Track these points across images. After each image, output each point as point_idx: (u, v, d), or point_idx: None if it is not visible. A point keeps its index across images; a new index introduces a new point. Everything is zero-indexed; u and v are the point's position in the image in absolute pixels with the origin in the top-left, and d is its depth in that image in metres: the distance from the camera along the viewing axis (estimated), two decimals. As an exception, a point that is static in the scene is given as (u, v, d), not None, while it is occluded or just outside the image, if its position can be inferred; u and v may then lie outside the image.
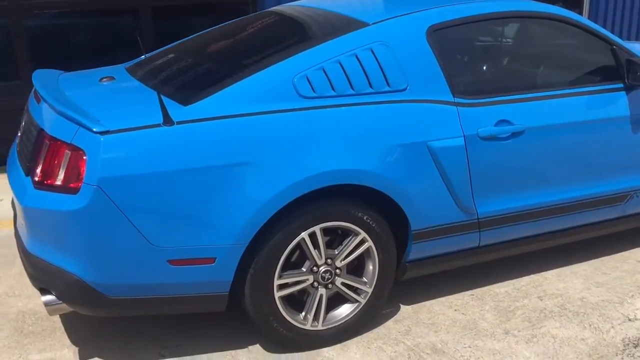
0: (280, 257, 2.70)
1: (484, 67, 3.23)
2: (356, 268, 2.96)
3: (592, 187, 3.32)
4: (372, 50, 2.86)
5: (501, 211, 3.13)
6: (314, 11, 3.35)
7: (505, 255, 3.37)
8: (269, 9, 3.73)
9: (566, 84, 3.27)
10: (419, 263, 3.08)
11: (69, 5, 5.68)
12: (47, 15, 5.72)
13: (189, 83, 2.92)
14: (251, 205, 2.56)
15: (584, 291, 3.33)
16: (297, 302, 2.88)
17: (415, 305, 3.25)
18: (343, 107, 2.76)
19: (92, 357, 2.85)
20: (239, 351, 2.89)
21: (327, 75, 2.78)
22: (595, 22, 7.99)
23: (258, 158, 2.58)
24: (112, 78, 3.14)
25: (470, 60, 3.19)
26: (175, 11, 6.10)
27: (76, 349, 2.90)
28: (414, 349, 2.88)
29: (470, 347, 2.89)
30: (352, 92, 2.81)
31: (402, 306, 3.24)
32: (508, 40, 3.35)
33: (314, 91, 2.75)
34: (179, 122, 2.53)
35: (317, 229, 2.74)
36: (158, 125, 2.50)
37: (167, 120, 2.51)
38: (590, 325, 3.03)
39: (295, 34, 3.18)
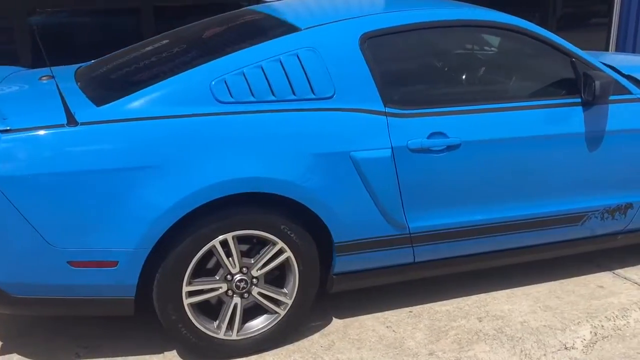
0: (189, 264, 2.65)
1: (421, 77, 3.09)
2: (277, 278, 2.89)
3: (540, 206, 3.15)
4: (297, 56, 2.78)
5: (436, 227, 3.00)
6: (265, 15, 3.28)
7: (447, 272, 3.25)
8: (236, 10, 3.68)
9: (512, 96, 3.12)
10: (348, 276, 2.99)
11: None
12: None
13: (114, 84, 2.90)
14: (153, 210, 2.53)
15: (528, 314, 3.17)
16: (214, 310, 2.83)
17: (348, 320, 3.15)
18: (259, 114, 2.69)
19: (12, 354, 2.87)
20: (154, 356, 2.86)
21: (246, 80, 2.71)
22: (625, 32, 7.66)
23: (163, 162, 2.54)
24: (51, 77, 3.15)
25: (407, 69, 3.06)
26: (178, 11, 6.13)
27: (-3, 344, 2.92)
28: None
29: (388, 366, 2.79)
30: (272, 98, 2.74)
31: (334, 319, 3.15)
32: (450, 49, 3.20)
33: (231, 96, 2.69)
34: (84, 123, 2.51)
35: (229, 236, 2.68)
36: (61, 126, 2.49)
37: (71, 121, 2.49)
38: (521, 352, 2.88)
39: (232, 38, 3.12)
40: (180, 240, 2.62)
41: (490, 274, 3.49)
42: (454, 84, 3.13)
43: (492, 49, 3.22)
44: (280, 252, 2.79)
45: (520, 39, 3.11)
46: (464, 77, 3.15)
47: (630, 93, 3.27)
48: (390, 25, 2.95)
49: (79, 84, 2.99)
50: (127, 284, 2.61)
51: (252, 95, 2.71)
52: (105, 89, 2.82)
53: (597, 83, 2.98)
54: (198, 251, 2.65)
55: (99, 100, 2.67)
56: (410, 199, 2.91)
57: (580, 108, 3.15)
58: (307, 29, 2.90)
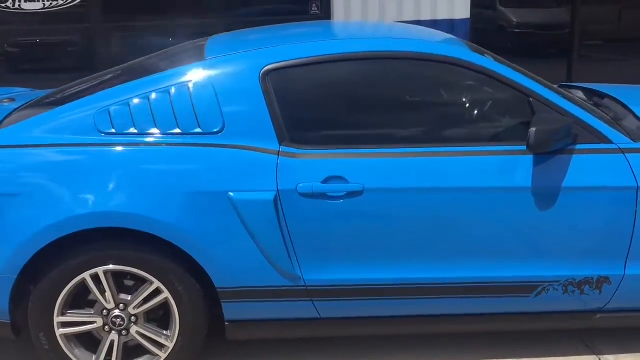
0: (60, 294, 2.61)
1: (327, 115, 2.75)
2: (163, 319, 2.75)
3: (473, 269, 2.67)
4: (188, 88, 2.64)
5: (338, 282, 2.67)
6: (199, 44, 3.16)
7: (366, 334, 2.88)
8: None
9: (436, 140, 2.68)
10: (244, 325, 2.77)
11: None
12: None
13: (26, 110, 2.95)
14: (15, 237, 2.53)
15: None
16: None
17: None
18: (135, 146, 2.59)
19: None
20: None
21: (130, 112, 2.63)
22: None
23: (31, 190, 2.54)
24: (13, 100, 3.31)
25: (312, 105, 2.74)
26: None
27: None
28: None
29: None
30: (155, 131, 2.62)
31: (240, 369, 2.93)
32: (364, 84, 2.81)
33: (113, 127, 2.62)
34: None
35: (100, 271, 2.60)
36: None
37: None
38: None
39: (146, 68, 3.02)
40: (50, 270, 2.59)
41: (461, 341, 3.02)
42: (363, 123, 2.75)
43: (417, 83, 2.79)
44: (157, 292, 2.65)
45: (456, 71, 2.68)
46: (375, 115, 2.76)
47: (608, 142, 2.67)
48: (297, 57, 2.69)
49: (19, 108, 3.09)
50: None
51: (134, 127, 2.62)
52: (13, 115, 2.89)
53: (532, 131, 2.47)
54: (68, 283, 2.60)
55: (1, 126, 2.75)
56: (304, 249, 2.62)
57: (530, 157, 2.63)
58: (210, 59, 2.75)
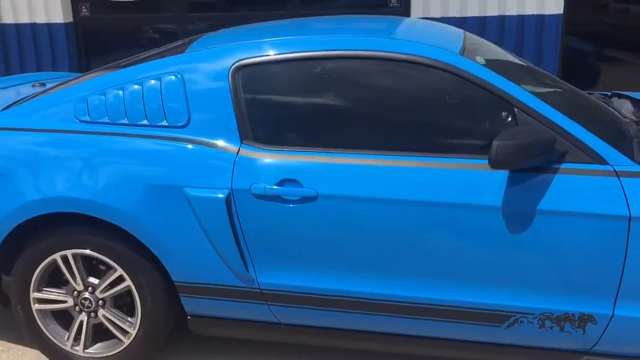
0: (34, 272, 2.75)
1: (291, 115, 2.60)
2: (130, 306, 2.81)
3: (437, 290, 2.46)
4: (160, 80, 2.66)
5: (292, 288, 2.57)
6: (193, 38, 3.15)
7: (327, 344, 2.75)
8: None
9: (401, 147, 2.46)
10: (204, 320, 2.76)
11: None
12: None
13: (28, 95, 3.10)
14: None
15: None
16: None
17: None
18: (103, 135, 2.65)
19: None
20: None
21: (105, 101, 2.69)
22: None
23: (11, 171, 2.68)
24: (43, 84, 3.51)
25: (280, 104, 2.61)
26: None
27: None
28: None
29: None
30: (125, 121, 2.66)
31: (209, 363, 2.94)
32: (332, 85, 2.61)
33: (89, 116, 2.70)
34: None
35: (68, 254, 2.70)
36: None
37: None
38: None
39: (140, 60, 3.04)
40: (25, 249, 2.73)
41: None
42: (324, 125, 2.58)
43: (388, 86, 2.57)
44: (121, 279, 2.71)
45: (441, 76, 2.47)
46: (336, 118, 2.58)
47: (603, 162, 2.34)
48: (271, 53, 2.61)
49: (36, 91, 3.27)
50: (-19, 277, 2.83)
51: (107, 116, 2.68)
52: (18, 100, 3.07)
53: (494, 145, 2.20)
54: (40, 262, 2.73)
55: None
56: (257, 251, 2.55)
57: (504, 174, 2.36)
58: (186, 53, 2.75)
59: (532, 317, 2.43)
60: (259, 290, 2.60)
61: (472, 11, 5.68)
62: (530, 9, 5.63)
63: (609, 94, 3.46)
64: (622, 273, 2.33)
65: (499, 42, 5.66)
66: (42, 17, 6.16)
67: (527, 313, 2.43)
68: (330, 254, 2.51)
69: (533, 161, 2.28)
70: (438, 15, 5.71)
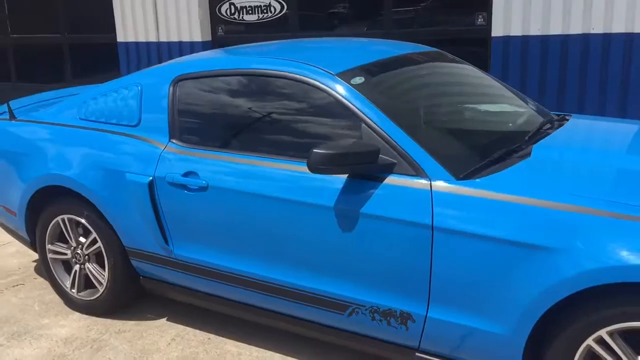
0: (47, 230, 3.71)
1: (203, 119, 3.15)
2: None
3: (293, 275, 2.86)
4: (127, 89, 3.44)
5: (195, 261, 3.17)
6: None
7: (233, 314, 3.26)
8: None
9: (269, 151, 2.91)
10: (151, 281, 3.47)
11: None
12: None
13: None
14: (21, 187, 3.68)
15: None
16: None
17: (157, 322, 3.59)
18: (86, 130, 3.50)
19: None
20: (58, 291, 4.02)
21: (96, 105, 3.55)
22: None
23: (30, 152, 3.66)
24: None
25: (196, 110, 3.17)
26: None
27: None
28: (93, 342, 3.42)
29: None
30: (102, 120, 3.50)
31: (165, 321, 3.63)
32: (232, 97, 3.07)
33: (85, 115, 3.59)
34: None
35: (65, 218, 3.61)
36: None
37: (11, 116, 3.88)
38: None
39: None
40: (42, 211, 3.70)
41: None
42: (221, 129, 3.09)
43: (262, 98, 3.01)
44: (95, 240, 3.54)
45: (304, 89, 2.91)
46: (230, 123, 3.07)
47: (424, 175, 2.56)
48: (197, 70, 3.24)
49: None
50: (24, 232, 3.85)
51: (95, 116, 3.54)
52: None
53: (311, 151, 2.56)
54: (50, 223, 3.68)
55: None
56: (173, 227, 3.20)
57: (341, 179, 2.71)
58: (156, 67, 3.49)
59: (365, 309, 2.73)
60: (176, 260, 3.24)
61: (555, 28, 5.59)
62: (618, 27, 5.38)
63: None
64: (430, 278, 2.54)
65: (583, 63, 5.51)
66: (186, 36, 7.39)
67: (360, 305, 2.73)
68: (218, 235, 3.06)
69: (352, 169, 2.60)
70: (519, 33, 5.72)
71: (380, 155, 2.64)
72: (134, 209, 3.28)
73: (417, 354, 2.71)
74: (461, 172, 2.58)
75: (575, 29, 5.52)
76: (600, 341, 2.30)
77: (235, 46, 3.94)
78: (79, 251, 3.65)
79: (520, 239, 2.34)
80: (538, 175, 2.57)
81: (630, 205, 2.28)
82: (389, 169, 2.64)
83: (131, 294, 3.64)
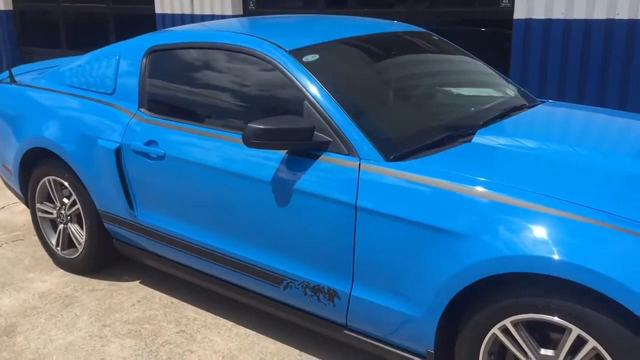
0: (36, 190, 3.92)
1: (169, 90, 3.21)
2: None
3: (236, 246, 2.93)
4: (107, 59, 3.57)
5: (157, 227, 3.28)
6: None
7: (192, 280, 3.37)
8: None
9: (222, 124, 2.97)
10: (124, 245, 3.62)
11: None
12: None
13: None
14: (15, 147, 3.89)
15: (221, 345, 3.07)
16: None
17: (130, 284, 3.74)
18: (68, 96, 3.66)
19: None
20: (51, 249, 4.24)
21: (81, 73, 3.70)
22: None
23: (26, 114, 3.86)
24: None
25: (164, 80, 3.24)
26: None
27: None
28: (65, 297, 3.61)
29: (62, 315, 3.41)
30: (84, 87, 3.64)
31: (140, 285, 3.79)
32: (198, 69, 3.12)
33: (70, 82, 3.74)
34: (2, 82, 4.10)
35: (51, 179, 3.80)
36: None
37: (12, 80, 4.09)
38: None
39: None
40: (31, 173, 3.90)
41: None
42: (184, 100, 3.15)
43: (224, 71, 3.04)
44: (75, 202, 3.72)
45: (257, 64, 2.96)
46: (191, 95, 3.13)
47: (354, 155, 2.57)
48: (166, 42, 3.32)
49: None
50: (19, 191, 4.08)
51: (77, 83, 3.69)
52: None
53: (247, 125, 2.60)
54: (38, 183, 3.88)
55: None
56: (137, 193, 3.32)
57: (280, 155, 2.75)
58: (135, 38, 3.59)
59: (297, 283, 2.77)
60: (140, 225, 3.37)
61: (579, 12, 5.38)
62: (644, 13, 5.12)
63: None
64: (354, 257, 2.55)
65: (607, 48, 5.29)
66: (219, 10, 7.50)
67: (293, 279, 2.78)
68: (172, 203, 3.16)
69: (286, 145, 2.63)
70: (542, 17, 5.53)
71: (316, 133, 2.66)
72: (104, 174, 3.42)
73: (345, 331, 2.74)
74: (392, 153, 2.57)
75: (599, 13, 5.29)
76: (506, 331, 2.27)
77: (216, 20, 3.99)
78: (62, 211, 3.83)
79: (430, 222, 2.32)
80: (463, 160, 2.53)
81: (542, 195, 2.22)
82: (324, 147, 2.65)
83: (107, 255, 3.80)
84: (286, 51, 2.92)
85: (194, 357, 3.03)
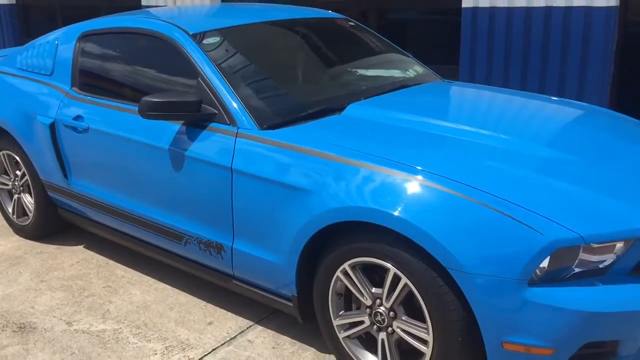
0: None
1: (91, 70, 3.63)
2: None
3: (147, 208, 3.31)
4: (48, 43, 3.97)
5: (86, 193, 3.68)
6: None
7: (117, 241, 3.75)
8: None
9: (132, 99, 3.36)
10: (66, 212, 4.03)
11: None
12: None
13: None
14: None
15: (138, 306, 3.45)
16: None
17: (74, 248, 4.14)
18: (15, 77, 4.08)
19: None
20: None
21: (29, 56, 4.11)
22: None
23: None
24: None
25: (93, 62, 3.65)
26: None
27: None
28: (14, 258, 4.03)
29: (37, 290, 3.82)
30: (29, 69, 4.06)
31: (71, 244, 4.19)
32: (121, 51, 3.54)
33: (20, 65, 4.16)
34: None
35: (4, 153, 4.22)
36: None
37: None
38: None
39: None
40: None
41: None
42: (109, 79, 3.56)
43: (139, 52, 3.44)
44: (24, 174, 4.13)
45: (162, 45, 3.34)
46: (115, 75, 3.54)
47: (234, 125, 2.93)
48: (96, 27, 3.71)
49: None
50: None
51: (25, 65, 4.10)
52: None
53: (142, 100, 2.97)
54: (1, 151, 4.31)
55: None
56: (69, 163, 3.72)
57: (177, 126, 3.12)
58: (74, 24, 3.99)
59: (193, 239, 3.14)
60: (73, 192, 3.77)
61: (520, 1, 5.64)
62: (579, 1, 5.37)
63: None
64: (232, 214, 2.91)
65: (546, 34, 5.54)
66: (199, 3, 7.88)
67: (190, 236, 3.15)
68: (94, 170, 3.56)
69: (177, 116, 3.00)
70: (487, 5, 5.81)
71: (205, 106, 3.02)
72: (43, 147, 3.82)
73: (233, 281, 3.10)
74: (265, 123, 2.92)
75: (539, 2, 5.56)
76: (346, 273, 2.61)
77: (149, 8, 4.37)
78: (16, 183, 4.25)
79: (287, 181, 2.68)
80: (325, 129, 2.87)
81: (379, 157, 2.55)
82: (212, 118, 3.01)
83: (53, 222, 4.20)
84: (188, 34, 3.28)
85: (112, 307, 3.42)
